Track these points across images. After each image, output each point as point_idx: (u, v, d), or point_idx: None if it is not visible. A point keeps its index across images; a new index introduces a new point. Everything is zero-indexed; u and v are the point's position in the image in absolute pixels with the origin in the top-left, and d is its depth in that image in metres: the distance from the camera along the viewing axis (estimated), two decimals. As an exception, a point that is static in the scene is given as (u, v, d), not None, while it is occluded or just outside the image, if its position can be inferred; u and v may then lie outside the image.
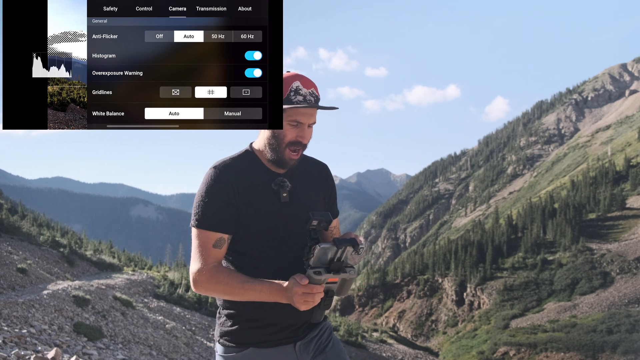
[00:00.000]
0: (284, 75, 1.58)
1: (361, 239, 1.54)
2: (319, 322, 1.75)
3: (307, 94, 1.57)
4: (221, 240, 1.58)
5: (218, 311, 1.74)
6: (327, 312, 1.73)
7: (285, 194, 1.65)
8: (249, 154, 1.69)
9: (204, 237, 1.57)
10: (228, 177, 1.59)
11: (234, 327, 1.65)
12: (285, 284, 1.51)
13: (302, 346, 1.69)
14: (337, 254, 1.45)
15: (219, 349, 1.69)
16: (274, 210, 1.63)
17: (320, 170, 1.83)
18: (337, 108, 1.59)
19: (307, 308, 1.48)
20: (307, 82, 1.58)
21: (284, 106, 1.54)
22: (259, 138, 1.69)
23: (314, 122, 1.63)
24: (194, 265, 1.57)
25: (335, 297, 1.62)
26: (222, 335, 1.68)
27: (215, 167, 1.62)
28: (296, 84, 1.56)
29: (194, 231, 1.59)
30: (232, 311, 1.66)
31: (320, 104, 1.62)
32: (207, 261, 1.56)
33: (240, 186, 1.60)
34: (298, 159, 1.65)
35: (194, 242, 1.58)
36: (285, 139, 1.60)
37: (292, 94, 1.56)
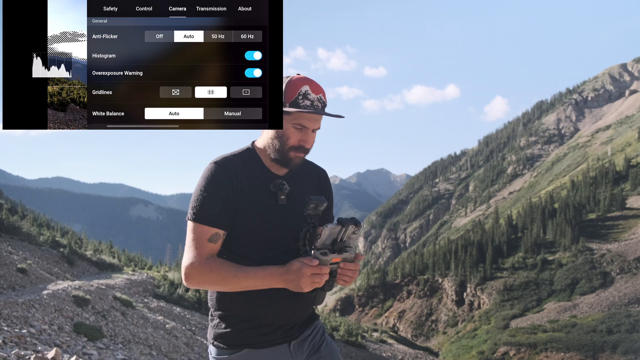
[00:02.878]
0: (293, 78, 1.58)
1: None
2: (313, 321, 1.77)
3: (315, 99, 1.57)
4: (217, 236, 1.57)
5: (210, 313, 1.73)
6: (325, 311, 1.75)
7: (283, 197, 1.65)
8: (250, 152, 1.69)
9: (200, 232, 1.56)
10: (228, 173, 1.59)
11: (227, 329, 1.64)
12: (283, 267, 1.51)
13: (297, 345, 1.70)
14: (340, 233, 1.49)
15: (212, 351, 1.69)
16: (270, 211, 1.62)
17: (318, 175, 1.83)
18: (343, 117, 1.59)
19: (310, 289, 1.49)
20: (316, 88, 1.58)
21: (291, 109, 1.54)
22: (262, 137, 1.69)
23: (319, 128, 1.63)
24: (187, 258, 1.55)
25: (335, 298, 1.63)
26: (215, 337, 1.67)
27: (216, 162, 1.61)
28: (305, 87, 1.56)
29: (189, 225, 1.58)
30: (225, 312, 1.65)
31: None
32: (200, 254, 1.54)
33: (240, 184, 1.59)
34: (301, 161, 1.65)
35: (189, 236, 1.57)
36: (289, 142, 1.60)
37: (300, 97, 1.55)
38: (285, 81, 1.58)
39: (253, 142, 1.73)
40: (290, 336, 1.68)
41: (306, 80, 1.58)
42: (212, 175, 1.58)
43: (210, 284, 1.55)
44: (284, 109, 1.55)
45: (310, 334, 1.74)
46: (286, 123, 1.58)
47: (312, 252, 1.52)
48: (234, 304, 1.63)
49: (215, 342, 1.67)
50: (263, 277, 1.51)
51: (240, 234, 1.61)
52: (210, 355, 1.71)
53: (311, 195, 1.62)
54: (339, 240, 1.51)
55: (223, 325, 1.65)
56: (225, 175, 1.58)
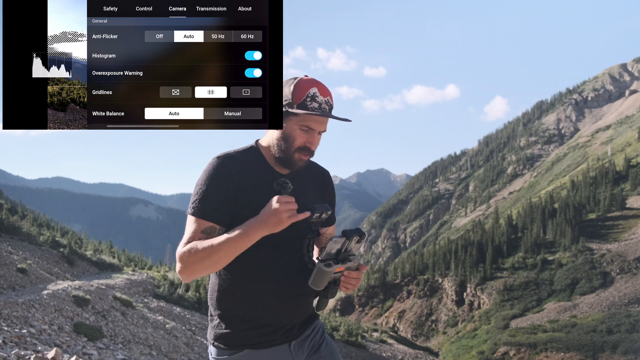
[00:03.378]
0: (302, 79, 1.59)
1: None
2: (313, 321, 1.77)
3: (323, 102, 1.57)
4: (211, 229, 1.55)
5: (210, 313, 1.72)
6: (325, 311, 1.76)
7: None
8: (254, 150, 1.68)
9: (196, 225, 1.55)
10: (230, 169, 1.58)
11: (228, 330, 1.64)
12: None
13: (297, 345, 1.70)
14: (344, 244, 1.52)
15: (213, 351, 1.68)
16: None
17: (322, 175, 1.83)
18: (350, 120, 1.60)
19: (289, 221, 1.46)
20: (324, 90, 1.59)
21: (299, 111, 1.54)
22: (267, 136, 1.68)
23: (325, 130, 1.63)
24: (178, 249, 1.53)
25: (336, 298, 1.65)
26: (216, 338, 1.66)
27: (218, 157, 1.61)
28: (314, 90, 1.56)
29: (188, 219, 1.58)
30: (225, 313, 1.65)
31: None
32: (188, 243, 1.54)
33: (241, 181, 1.59)
34: (304, 164, 1.65)
35: (186, 229, 1.57)
36: (295, 143, 1.60)
37: (308, 99, 1.55)
38: (293, 82, 1.58)
39: (257, 140, 1.73)
40: (291, 336, 1.68)
41: (315, 83, 1.58)
42: (213, 170, 1.58)
43: (198, 264, 1.49)
44: (292, 110, 1.56)
45: (310, 334, 1.74)
46: (293, 124, 1.58)
47: (317, 263, 1.54)
48: (234, 304, 1.63)
49: (216, 343, 1.67)
50: (239, 233, 1.46)
51: None
52: (210, 356, 1.71)
53: (315, 204, 1.61)
54: (342, 250, 1.54)
55: (223, 326, 1.65)
56: (227, 170, 1.58)
